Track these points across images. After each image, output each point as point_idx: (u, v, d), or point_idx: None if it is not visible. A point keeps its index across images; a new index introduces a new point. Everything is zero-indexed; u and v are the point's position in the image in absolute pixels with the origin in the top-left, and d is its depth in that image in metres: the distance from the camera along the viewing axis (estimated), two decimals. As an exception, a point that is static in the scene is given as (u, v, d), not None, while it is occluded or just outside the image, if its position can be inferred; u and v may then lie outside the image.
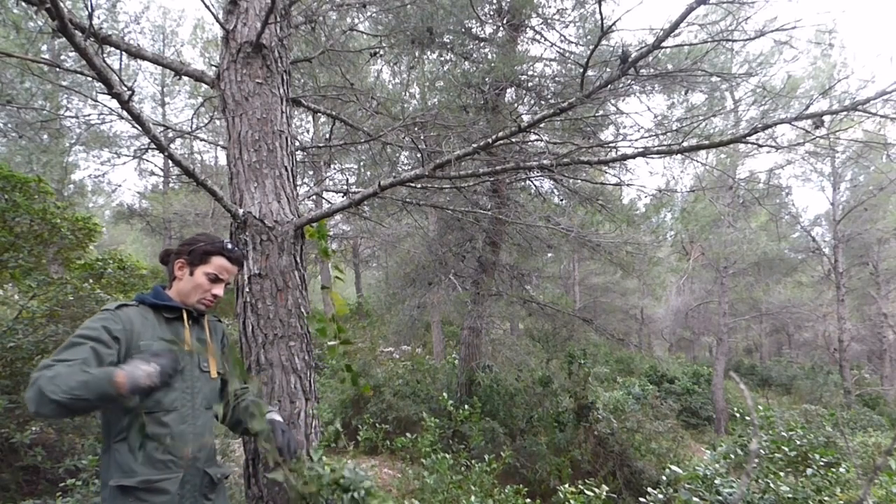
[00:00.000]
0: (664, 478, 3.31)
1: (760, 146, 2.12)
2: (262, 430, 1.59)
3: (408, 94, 5.68)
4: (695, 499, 2.76)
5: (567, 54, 6.33)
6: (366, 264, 20.02)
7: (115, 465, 1.41)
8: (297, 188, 2.49)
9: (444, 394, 6.41)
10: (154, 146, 1.80)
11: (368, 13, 4.27)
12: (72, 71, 2.39)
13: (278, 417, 1.72)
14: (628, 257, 7.34)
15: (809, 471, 3.11)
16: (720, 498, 2.87)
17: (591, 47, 2.65)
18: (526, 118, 4.01)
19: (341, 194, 4.08)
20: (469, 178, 3.31)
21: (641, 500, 3.23)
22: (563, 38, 6.34)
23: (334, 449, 6.83)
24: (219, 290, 1.62)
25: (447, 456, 4.36)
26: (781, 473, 3.19)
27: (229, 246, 1.64)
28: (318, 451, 1.77)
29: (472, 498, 3.69)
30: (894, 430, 11.37)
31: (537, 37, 6.56)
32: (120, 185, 25.67)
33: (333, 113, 3.46)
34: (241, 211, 2.19)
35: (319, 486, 1.53)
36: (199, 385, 1.56)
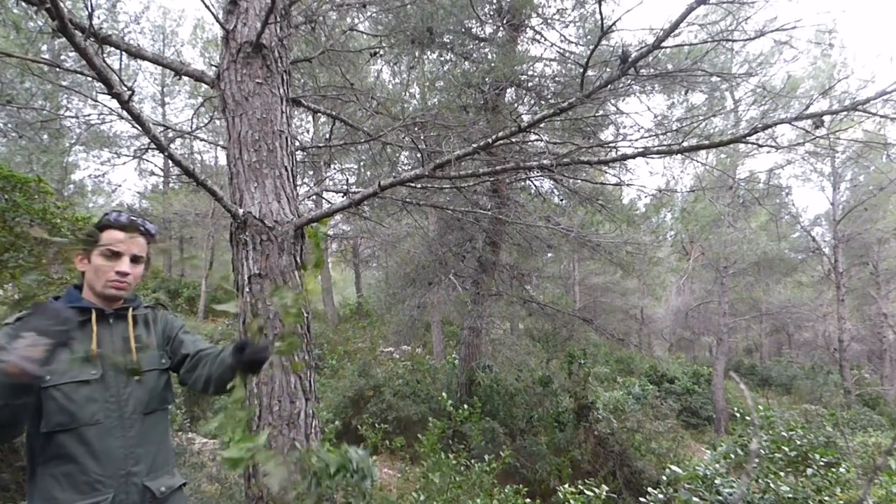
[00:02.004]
0: (664, 478, 3.31)
1: (760, 146, 2.12)
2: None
3: (408, 94, 5.68)
4: (695, 499, 2.76)
5: (567, 54, 6.33)
6: (366, 264, 20.01)
7: (38, 493, 1.27)
8: (297, 188, 2.49)
9: (444, 394, 6.42)
10: (154, 146, 1.80)
11: (368, 13, 4.27)
12: (72, 71, 2.40)
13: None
14: (628, 257, 7.34)
15: (809, 471, 3.11)
16: (720, 498, 2.87)
17: (591, 47, 2.65)
18: (526, 118, 4.02)
19: (341, 194, 4.08)
20: (469, 178, 3.31)
21: (641, 500, 3.23)
22: (563, 38, 6.34)
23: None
24: (121, 265, 1.41)
25: (450, 457, 4.36)
26: (781, 473, 3.19)
27: (114, 214, 1.44)
28: (324, 443, 1.75)
29: (478, 500, 3.69)
30: (894, 430, 11.37)
31: (537, 37, 6.56)
32: (120, 185, 25.71)
33: (333, 113, 3.46)
34: (241, 211, 2.19)
35: (327, 474, 1.49)
36: (127, 391, 1.38)
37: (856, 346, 18.43)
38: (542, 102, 6.36)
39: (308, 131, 13.92)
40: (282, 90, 2.41)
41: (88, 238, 1.42)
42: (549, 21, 6.31)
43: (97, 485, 1.30)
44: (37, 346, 1.06)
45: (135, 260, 1.45)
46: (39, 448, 1.29)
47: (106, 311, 1.43)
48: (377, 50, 4.17)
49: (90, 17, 1.44)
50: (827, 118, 2.09)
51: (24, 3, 2.29)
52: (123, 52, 2.33)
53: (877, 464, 1.08)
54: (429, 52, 6.23)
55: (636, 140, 2.88)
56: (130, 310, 1.48)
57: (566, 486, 3.64)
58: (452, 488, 4.12)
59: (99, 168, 16.89)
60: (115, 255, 1.41)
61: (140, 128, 1.69)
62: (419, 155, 3.67)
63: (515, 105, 6.66)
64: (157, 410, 1.45)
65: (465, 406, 6.05)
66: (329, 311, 17.24)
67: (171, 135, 5.42)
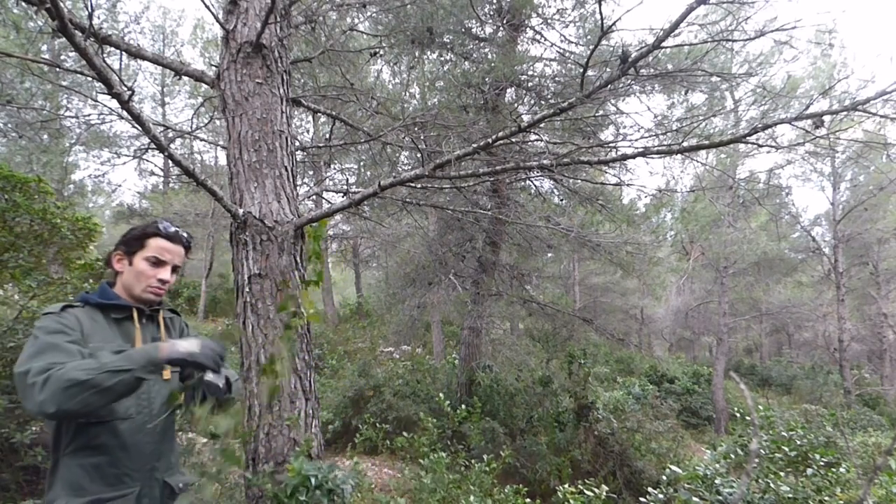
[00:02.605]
0: (664, 478, 3.31)
1: (760, 146, 2.12)
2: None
3: (408, 94, 5.68)
4: (695, 499, 2.76)
5: (567, 54, 6.33)
6: (366, 264, 20.01)
7: (63, 483, 1.27)
8: (297, 188, 2.49)
9: (443, 394, 6.41)
10: (154, 146, 1.80)
11: (368, 13, 4.27)
12: (72, 71, 2.40)
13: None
14: (628, 257, 7.34)
15: (809, 471, 3.11)
16: (720, 498, 2.87)
17: (591, 47, 2.65)
18: (526, 118, 4.02)
19: (341, 194, 4.08)
20: (469, 178, 3.31)
21: (641, 500, 3.23)
22: (563, 38, 6.34)
23: (334, 449, 6.84)
24: (164, 273, 1.48)
25: (444, 455, 4.36)
26: (781, 473, 3.19)
27: (165, 224, 1.51)
28: (297, 456, 1.73)
29: (472, 498, 3.69)
30: (894, 430, 11.37)
31: (537, 37, 6.56)
32: (120, 185, 25.72)
33: (333, 113, 3.46)
34: (241, 211, 2.19)
35: (284, 494, 1.48)
36: (155, 389, 1.43)
37: (856, 346, 18.43)
38: (542, 102, 6.35)
39: (308, 131, 13.92)
40: (282, 90, 2.41)
41: (137, 241, 1.48)
42: (549, 21, 6.31)
43: (125, 478, 1.34)
44: (189, 348, 1.26)
45: (174, 269, 1.53)
46: (69, 438, 1.30)
47: (145, 311, 1.50)
48: (377, 50, 4.17)
49: (90, 17, 1.44)
50: (827, 118, 2.09)
51: (24, 3, 2.29)
52: (123, 52, 2.33)
53: (877, 464, 1.08)
54: (429, 52, 6.23)
55: (636, 140, 2.87)
56: (161, 312, 1.56)
57: (566, 485, 3.64)
58: (452, 488, 4.12)
59: (99, 168, 16.90)
60: (160, 263, 1.48)
61: (140, 128, 1.69)
62: (419, 155, 3.67)
63: (515, 105, 6.66)
64: (172, 412, 1.51)
65: (465, 406, 6.05)
66: (329, 311, 17.24)
67: (171, 135, 5.42)
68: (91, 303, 1.41)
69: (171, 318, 1.62)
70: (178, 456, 1.56)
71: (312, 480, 1.46)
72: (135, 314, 1.46)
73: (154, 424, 1.41)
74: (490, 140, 2.20)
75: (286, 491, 1.45)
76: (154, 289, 1.47)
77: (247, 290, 2.18)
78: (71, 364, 1.16)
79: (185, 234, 1.56)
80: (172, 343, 1.24)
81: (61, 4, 1.31)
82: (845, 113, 1.92)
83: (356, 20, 4.06)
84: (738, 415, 5.02)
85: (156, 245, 1.47)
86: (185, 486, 1.49)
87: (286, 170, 2.35)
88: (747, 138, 2.06)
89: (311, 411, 2.21)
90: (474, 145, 2.24)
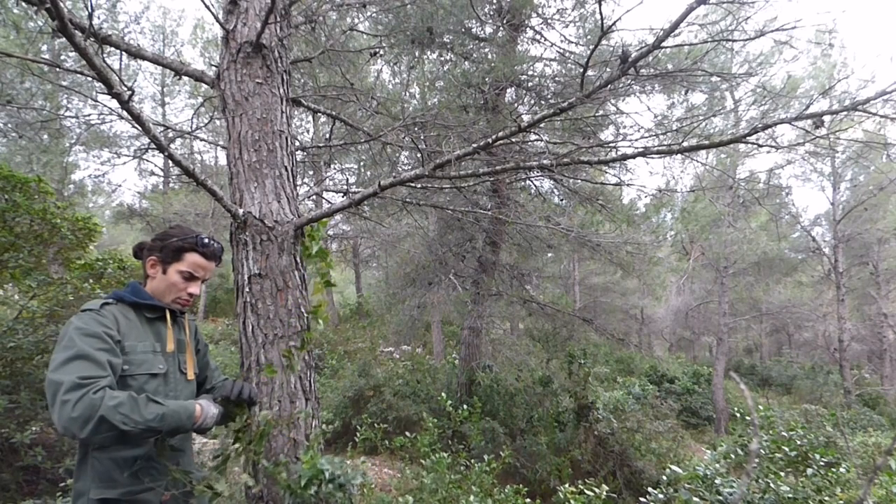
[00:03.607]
0: (664, 478, 3.31)
1: (760, 146, 2.12)
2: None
3: (408, 94, 5.68)
4: (695, 499, 2.76)
5: (567, 54, 6.32)
6: (366, 264, 20.02)
7: (95, 475, 1.30)
8: (297, 188, 2.49)
9: (444, 394, 6.41)
10: (154, 146, 1.80)
11: (368, 13, 4.27)
12: (72, 71, 2.39)
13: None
14: (628, 257, 7.34)
15: (809, 471, 3.11)
16: (720, 498, 2.87)
17: (591, 47, 2.65)
18: (526, 118, 4.01)
19: (341, 194, 4.08)
20: (469, 178, 3.31)
21: (641, 500, 3.23)
22: (563, 38, 6.34)
23: (334, 449, 6.84)
24: (195, 288, 1.52)
25: (445, 455, 4.36)
26: (782, 473, 3.19)
27: (205, 240, 1.53)
28: (308, 451, 1.75)
29: (472, 498, 3.69)
30: (894, 430, 11.37)
31: (537, 37, 6.56)
32: (120, 185, 25.70)
33: (333, 113, 3.46)
34: (241, 211, 2.19)
35: (298, 486, 1.50)
36: (180, 388, 1.50)
37: (856, 346, 18.44)
38: (542, 102, 6.35)
39: (308, 131, 13.93)
40: (282, 90, 2.41)
41: (175, 253, 1.50)
42: (549, 21, 6.31)
43: (153, 471, 1.39)
44: (213, 421, 1.38)
45: (203, 282, 1.58)
46: None
47: (176, 314, 1.56)
48: (377, 50, 4.17)
49: (90, 17, 1.44)
50: (827, 118, 2.09)
51: (24, 3, 2.28)
52: (123, 52, 2.33)
53: (877, 464, 1.08)
54: (429, 52, 6.23)
55: (636, 140, 2.88)
56: (186, 316, 1.62)
57: (566, 485, 3.64)
58: (452, 488, 4.12)
59: (99, 168, 16.91)
60: (193, 278, 1.52)
61: (140, 128, 1.69)
62: (419, 155, 3.67)
63: (515, 105, 6.66)
64: None
65: (465, 406, 6.05)
66: (329, 311, 17.25)
67: (171, 135, 5.42)
68: (125, 300, 1.44)
69: (190, 323, 1.68)
70: (192, 452, 1.63)
71: (326, 473, 1.48)
72: (168, 315, 1.51)
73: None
74: (490, 140, 2.20)
75: (300, 482, 1.47)
76: (183, 301, 1.53)
77: (247, 290, 2.18)
78: (109, 398, 1.17)
79: (220, 249, 1.60)
80: (206, 412, 1.34)
81: (61, 4, 1.31)
82: (845, 113, 1.92)
83: (356, 20, 4.06)
84: (738, 415, 5.01)
85: (192, 261, 1.51)
86: (202, 478, 1.57)
87: (286, 170, 2.35)
88: (747, 138, 2.06)
89: (311, 411, 2.21)
90: (474, 145, 2.24)
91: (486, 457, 4.82)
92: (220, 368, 9.35)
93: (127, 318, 1.41)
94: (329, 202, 4.53)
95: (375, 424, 6.72)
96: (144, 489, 1.35)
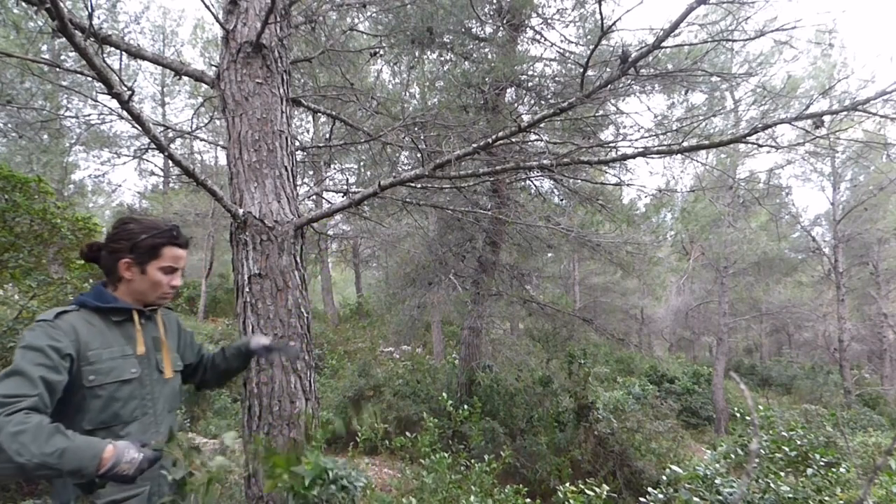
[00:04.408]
0: (664, 478, 3.31)
1: (760, 146, 2.12)
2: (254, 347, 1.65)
3: (408, 94, 5.68)
4: (695, 499, 2.76)
5: (567, 54, 6.33)
6: (366, 264, 20.02)
7: (73, 487, 1.26)
8: (297, 188, 2.49)
9: (444, 394, 6.41)
10: (154, 146, 1.80)
11: (368, 13, 4.27)
12: (72, 71, 2.39)
13: (264, 340, 1.73)
14: (628, 257, 7.34)
15: (810, 471, 3.10)
16: (720, 498, 2.87)
17: (591, 47, 2.65)
18: (526, 118, 4.01)
19: (341, 194, 4.08)
20: (469, 178, 3.31)
21: (641, 500, 3.23)
22: (563, 38, 6.34)
23: (334, 449, 6.84)
24: (177, 280, 1.49)
25: (445, 455, 4.36)
26: (782, 473, 3.19)
27: (174, 232, 1.49)
28: (313, 450, 1.73)
29: (472, 498, 3.69)
30: (894, 430, 11.37)
31: (537, 37, 6.56)
32: (120, 185, 25.73)
33: (333, 113, 3.46)
34: (241, 211, 2.19)
35: (302, 485, 1.47)
36: (158, 389, 1.44)
37: (856, 346, 18.44)
38: (542, 102, 6.35)
39: (308, 131, 13.92)
40: (282, 90, 2.41)
41: (152, 251, 1.45)
42: (549, 21, 6.31)
43: (137, 479, 1.32)
44: (130, 467, 1.14)
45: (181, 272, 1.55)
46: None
47: (145, 312, 1.48)
48: (377, 50, 4.17)
49: (90, 17, 1.44)
50: (827, 118, 2.09)
51: (24, 3, 2.28)
52: (123, 52, 2.33)
53: (877, 464, 1.08)
54: (429, 52, 6.23)
55: (636, 140, 2.87)
56: (158, 311, 1.55)
57: (566, 485, 3.64)
58: (452, 488, 4.12)
59: (99, 168, 16.92)
60: (173, 271, 1.48)
61: (140, 128, 1.69)
62: (419, 155, 3.67)
63: (515, 105, 6.66)
64: (174, 409, 1.52)
65: (465, 406, 6.05)
66: (329, 311, 17.24)
67: (171, 135, 5.42)
68: (88, 306, 1.37)
69: (167, 316, 1.61)
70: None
71: (330, 474, 1.46)
72: (135, 316, 1.44)
73: (158, 424, 1.42)
74: (490, 140, 2.20)
75: (303, 482, 1.44)
76: (168, 295, 1.49)
77: (247, 290, 2.18)
78: (17, 423, 1.06)
79: (186, 235, 1.57)
80: (119, 457, 1.12)
81: (61, 4, 1.31)
82: (845, 113, 1.92)
83: (356, 20, 4.06)
84: (738, 415, 5.01)
85: (171, 255, 1.46)
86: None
87: (286, 170, 2.35)
88: (747, 138, 2.06)
89: (311, 411, 2.21)
90: (474, 145, 2.24)
91: (486, 457, 4.82)
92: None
93: (91, 324, 1.34)
94: (329, 202, 4.53)
95: (376, 424, 6.72)
96: (127, 497, 1.31)
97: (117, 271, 1.43)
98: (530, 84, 6.42)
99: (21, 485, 3.36)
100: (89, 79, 4.29)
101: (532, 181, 6.98)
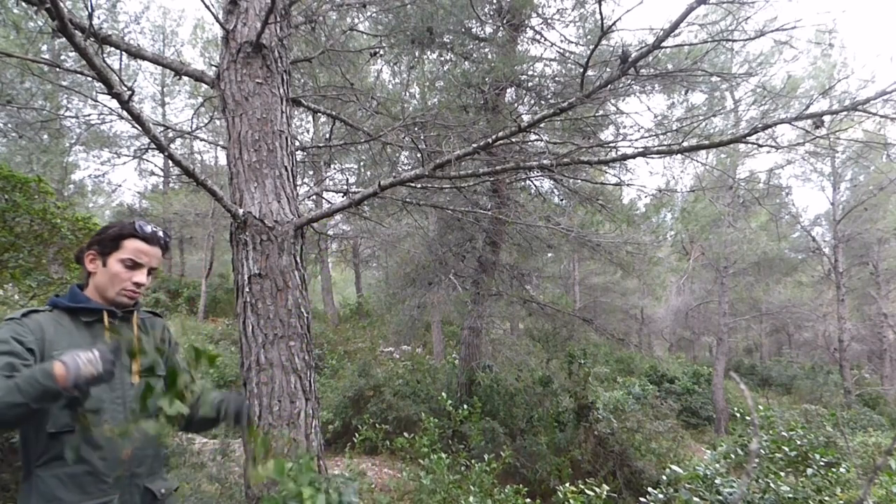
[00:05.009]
0: (664, 477, 3.31)
1: (760, 146, 2.12)
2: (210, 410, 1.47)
3: (408, 94, 5.68)
4: (695, 499, 2.76)
5: (567, 54, 6.33)
6: (366, 264, 20.02)
7: (38, 494, 1.23)
8: (297, 188, 2.49)
9: (444, 394, 6.41)
10: (154, 146, 1.80)
11: (368, 13, 4.27)
12: (72, 71, 2.39)
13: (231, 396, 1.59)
14: (628, 257, 7.34)
15: (809, 471, 3.11)
16: (720, 498, 2.87)
17: (591, 47, 2.65)
18: (526, 118, 4.01)
19: (341, 194, 4.08)
20: (469, 178, 3.32)
21: (641, 499, 3.23)
22: (563, 38, 6.35)
23: (334, 449, 6.84)
24: (140, 276, 1.42)
25: (444, 456, 4.36)
26: (782, 473, 3.19)
27: (141, 224, 1.44)
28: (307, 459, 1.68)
29: (472, 498, 3.69)
30: (894, 430, 11.37)
31: (537, 37, 6.56)
32: (120, 185, 25.73)
33: (333, 113, 3.46)
34: (241, 211, 2.19)
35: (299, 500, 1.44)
36: (131, 393, 1.38)
37: (856, 346, 18.43)
38: (542, 102, 6.35)
39: (308, 131, 13.93)
40: (282, 90, 2.41)
41: (112, 242, 1.41)
42: (549, 21, 6.31)
43: (102, 485, 1.29)
44: (93, 364, 1.10)
45: (150, 272, 1.46)
46: (42, 448, 1.26)
47: (116, 313, 1.43)
48: (377, 50, 4.17)
49: (90, 17, 1.44)
50: (827, 118, 2.09)
51: (24, 3, 2.29)
52: (123, 52, 2.33)
53: (877, 464, 1.08)
54: (429, 52, 6.23)
55: (636, 140, 2.87)
56: (136, 314, 1.49)
57: (566, 485, 3.64)
58: (452, 488, 4.12)
59: (99, 168, 16.94)
60: (136, 266, 1.42)
61: (140, 128, 1.69)
62: (419, 155, 3.67)
63: (515, 105, 6.66)
64: (153, 416, 1.44)
65: (465, 406, 6.05)
66: (329, 311, 17.24)
67: (171, 135, 5.42)
68: (59, 306, 1.36)
69: (148, 320, 1.56)
70: (162, 460, 1.51)
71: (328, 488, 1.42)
72: (105, 316, 1.40)
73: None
74: (490, 140, 2.20)
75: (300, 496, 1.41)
76: (129, 292, 1.42)
77: (247, 290, 2.18)
78: None
79: (162, 235, 1.49)
80: (72, 363, 1.08)
81: (61, 4, 1.31)
82: (845, 113, 1.92)
83: (356, 20, 4.06)
84: (738, 415, 5.01)
85: (132, 247, 1.40)
86: (167, 491, 1.47)
87: (286, 170, 2.35)
88: (747, 138, 2.06)
89: (311, 411, 2.21)
90: (474, 145, 2.24)
91: (486, 457, 4.82)
92: (222, 368, 9.20)
93: (60, 324, 1.33)
94: (329, 202, 4.53)
95: (375, 425, 6.72)
96: None
97: (85, 266, 1.42)
98: (530, 84, 6.42)
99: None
100: (89, 79, 4.29)
101: (532, 181, 6.98)
